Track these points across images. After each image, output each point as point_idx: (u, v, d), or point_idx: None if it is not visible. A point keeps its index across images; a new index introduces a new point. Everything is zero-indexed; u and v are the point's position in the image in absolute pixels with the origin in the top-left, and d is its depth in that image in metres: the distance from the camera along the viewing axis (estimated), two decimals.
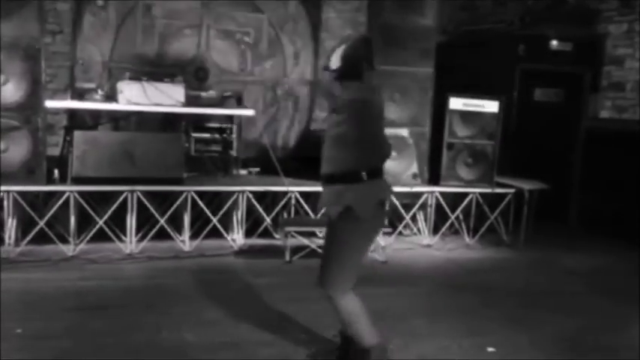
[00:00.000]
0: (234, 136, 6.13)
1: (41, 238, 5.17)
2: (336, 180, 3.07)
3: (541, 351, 3.77)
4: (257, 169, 6.40)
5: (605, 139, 7.11)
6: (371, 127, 3.12)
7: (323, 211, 3.33)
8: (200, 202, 5.44)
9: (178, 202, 5.45)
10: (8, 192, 5.01)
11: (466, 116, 6.20)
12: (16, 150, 5.03)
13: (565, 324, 4.23)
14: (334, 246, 3.10)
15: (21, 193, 5.07)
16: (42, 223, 5.11)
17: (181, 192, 5.41)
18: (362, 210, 3.01)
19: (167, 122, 6.17)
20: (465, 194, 6.20)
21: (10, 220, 5.13)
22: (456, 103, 6.17)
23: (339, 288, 3.09)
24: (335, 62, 3.11)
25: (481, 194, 6.21)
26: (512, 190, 6.24)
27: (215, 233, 5.56)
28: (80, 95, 5.86)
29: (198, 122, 6.07)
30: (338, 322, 3.26)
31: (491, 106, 6.25)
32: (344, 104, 3.05)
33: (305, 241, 5.61)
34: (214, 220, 5.48)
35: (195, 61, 6.84)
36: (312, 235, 5.91)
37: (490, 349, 3.74)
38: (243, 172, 6.31)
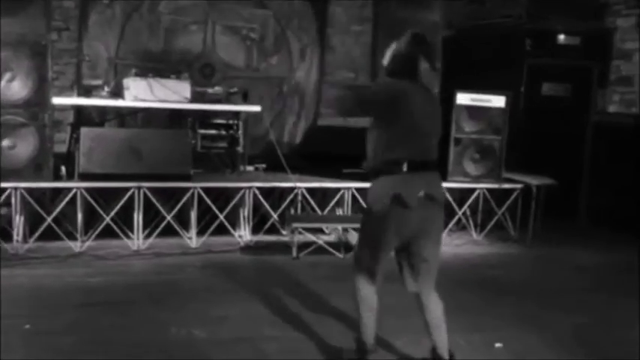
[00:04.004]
0: (240, 132, 6.12)
1: (49, 235, 5.19)
2: (370, 174, 3.18)
3: (549, 347, 3.75)
4: (263, 166, 6.39)
5: (613, 134, 7.06)
6: (395, 125, 3.04)
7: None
8: (207, 199, 5.44)
9: (185, 199, 5.45)
10: (16, 189, 5.02)
11: (473, 111, 6.17)
12: (23, 147, 5.04)
13: (573, 320, 4.20)
14: (359, 234, 3.28)
15: (28, 190, 5.08)
16: (49, 220, 5.13)
17: (188, 188, 5.41)
18: (373, 203, 3.09)
19: (173, 119, 6.17)
20: (472, 190, 6.18)
21: (17, 216, 5.14)
22: (462, 98, 6.14)
23: (356, 272, 3.19)
24: (386, 59, 3.16)
25: (488, 190, 6.18)
26: (519, 186, 6.21)
27: (222, 230, 5.56)
28: (87, 92, 5.87)
29: (205, 118, 6.06)
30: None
31: (498, 101, 6.21)
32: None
33: (312, 237, 5.60)
34: (221, 216, 5.48)
35: (201, 57, 6.82)
36: (319, 231, 5.91)
37: (498, 345, 3.72)
38: (249, 168, 6.30)
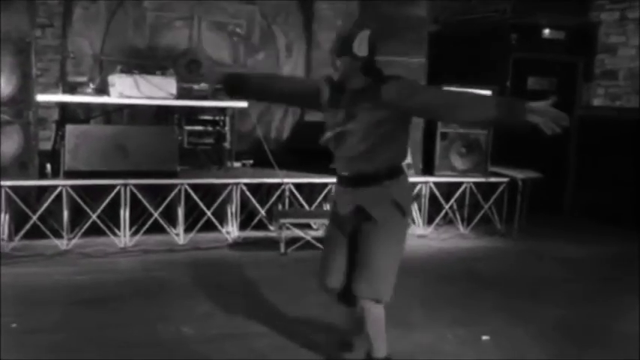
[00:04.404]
0: (227, 128, 6.10)
1: (35, 233, 5.16)
2: (380, 178, 2.90)
3: (535, 339, 3.78)
4: (251, 162, 6.38)
5: (598, 128, 7.12)
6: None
7: (349, 211, 3.00)
8: (194, 195, 5.42)
9: (172, 195, 5.43)
10: (0, 187, 4.97)
11: None
12: (8, 144, 5.00)
13: (559, 312, 4.25)
14: (381, 248, 2.88)
15: (13, 188, 5.04)
16: (35, 218, 5.09)
17: (175, 185, 5.39)
18: (407, 204, 2.94)
19: (159, 115, 6.14)
20: (459, 184, 6.21)
21: (2, 215, 5.10)
22: None
23: (389, 293, 2.95)
24: (362, 49, 2.82)
25: (475, 184, 6.22)
26: (506, 180, 6.25)
27: (209, 226, 5.55)
28: (72, 89, 5.82)
29: (191, 115, 6.03)
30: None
31: None
32: (391, 101, 2.82)
33: (300, 233, 5.61)
34: (208, 212, 5.47)
35: (187, 53, 6.79)
36: (307, 227, 5.91)
37: (485, 338, 3.75)
38: (236, 164, 6.30)
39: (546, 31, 7.20)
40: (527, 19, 7.08)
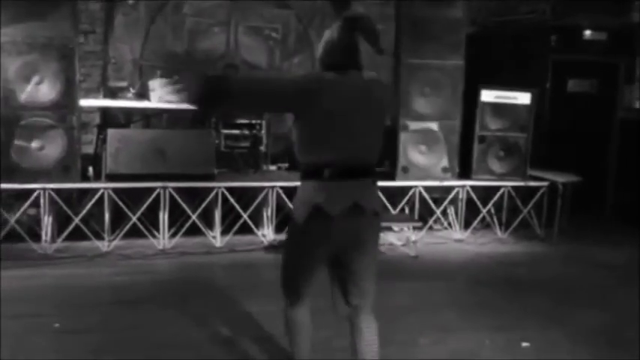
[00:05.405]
0: (263, 131, 6.16)
1: (76, 235, 5.28)
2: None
3: (574, 345, 3.71)
4: (286, 165, 6.41)
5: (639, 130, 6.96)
6: (312, 124, 2.62)
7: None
8: (230, 198, 5.48)
9: (209, 198, 5.50)
10: (44, 189, 5.11)
11: (498, 108, 6.13)
12: (52, 148, 5.13)
13: (598, 318, 4.15)
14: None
15: (56, 191, 5.17)
16: (77, 220, 5.21)
17: (212, 188, 5.46)
18: (293, 213, 2.73)
19: (197, 119, 6.22)
20: (497, 188, 6.13)
21: (46, 217, 5.23)
22: (487, 96, 6.10)
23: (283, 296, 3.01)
24: (319, 51, 2.72)
25: (513, 188, 6.13)
26: (545, 183, 6.14)
27: (246, 229, 5.60)
28: (113, 94, 5.96)
29: (228, 119, 6.10)
30: None
31: (523, 98, 6.16)
32: None
33: None
34: (245, 215, 5.52)
35: (224, 58, 6.87)
36: None
37: (525, 344, 3.69)
38: (272, 167, 6.34)
39: (587, 33, 7.06)
40: (567, 20, 6.95)
